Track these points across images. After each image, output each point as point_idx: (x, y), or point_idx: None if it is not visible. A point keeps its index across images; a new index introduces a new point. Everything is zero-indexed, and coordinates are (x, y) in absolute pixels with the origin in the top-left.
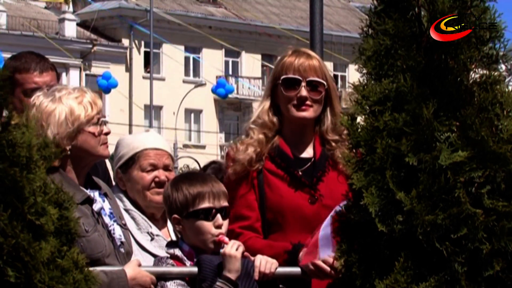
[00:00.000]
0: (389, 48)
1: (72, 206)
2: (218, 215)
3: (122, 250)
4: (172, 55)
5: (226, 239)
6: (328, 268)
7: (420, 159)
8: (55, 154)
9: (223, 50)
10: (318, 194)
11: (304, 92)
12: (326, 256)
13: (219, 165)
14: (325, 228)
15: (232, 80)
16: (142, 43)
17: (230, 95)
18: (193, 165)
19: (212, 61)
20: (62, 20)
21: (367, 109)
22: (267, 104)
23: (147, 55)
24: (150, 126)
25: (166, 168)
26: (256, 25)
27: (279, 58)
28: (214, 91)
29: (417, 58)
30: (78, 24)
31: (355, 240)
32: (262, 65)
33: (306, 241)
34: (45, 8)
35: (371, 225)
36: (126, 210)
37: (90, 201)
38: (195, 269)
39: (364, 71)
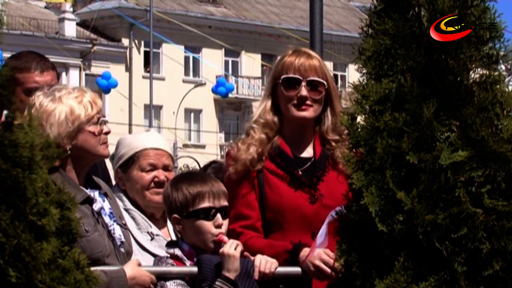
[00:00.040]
0: (389, 48)
1: (73, 206)
2: (218, 215)
3: (122, 250)
4: (172, 55)
5: (226, 238)
6: (328, 270)
7: (421, 159)
8: (57, 154)
9: (223, 49)
10: (318, 193)
11: (304, 91)
12: (323, 253)
13: (219, 165)
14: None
15: (232, 80)
16: (142, 42)
17: (230, 95)
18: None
19: (212, 60)
20: (62, 20)
21: (367, 108)
22: (268, 103)
23: (147, 55)
24: (150, 125)
25: (165, 168)
26: (256, 25)
27: (279, 57)
28: (214, 90)
29: (417, 58)
30: (78, 24)
31: (355, 239)
32: (262, 65)
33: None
34: (45, 7)
35: (371, 224)
36: (126, 210)
37: (90, 201)
38: (195, 269)
39: (364, 71)
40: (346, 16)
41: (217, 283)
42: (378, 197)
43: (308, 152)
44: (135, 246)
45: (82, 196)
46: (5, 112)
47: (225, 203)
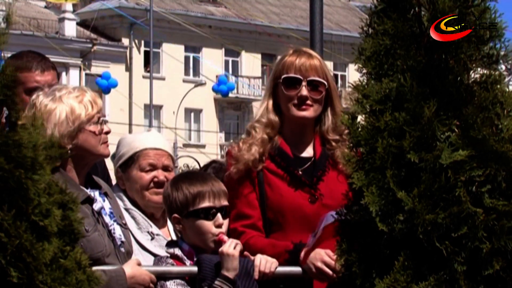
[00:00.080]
0: (389, 48)
1: (76, 207)
2: (218, 215)
3: (122, 249)
4: (172, 55)
5: (226, 238)
6: (330, 272)
7: (421, 158)
8: (60, 154)
9: (223, 49)
10: (318, 193)
11: (304, 91)
12: (325, 254)
13: (219, 165)
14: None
15: (232, 80)
16: (142, 42)
17: (230, 95)
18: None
19: (212, 60)
20: (62, 20)
21: (367, 108)
22: (269, 103)
23: (147, 55)
24: (150, 125)
25: (165, 168)
26: (256, 25)
27: (280, 57)
28: (215, 89)
29: (417, 58)
30: (78, 24)
31: (355, 239)
32: (262, 65)
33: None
34: (45, 7)
35: (371, 224)
36: (126, 210)
37: (90, 200)
38: (195, 268)
39: (364, 71)
40: (346, 16)
41: (216, 282)
42: (378, 196)
43: (308, 152)
44: (135, 246)
45: (82, 196)
46: (5, 112)
47: (225, 202)
